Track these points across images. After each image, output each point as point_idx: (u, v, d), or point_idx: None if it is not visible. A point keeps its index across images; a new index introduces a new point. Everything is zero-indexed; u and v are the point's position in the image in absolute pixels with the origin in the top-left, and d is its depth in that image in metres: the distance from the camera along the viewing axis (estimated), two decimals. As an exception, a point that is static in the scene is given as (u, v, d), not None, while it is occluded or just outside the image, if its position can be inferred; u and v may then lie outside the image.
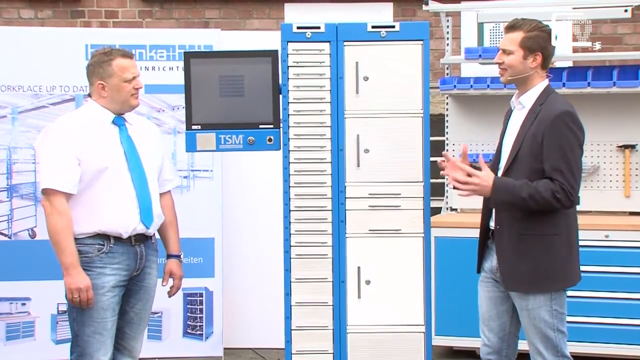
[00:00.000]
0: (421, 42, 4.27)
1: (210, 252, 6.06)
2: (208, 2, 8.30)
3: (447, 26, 6.49)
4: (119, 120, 4.20)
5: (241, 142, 4.40)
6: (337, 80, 4.28)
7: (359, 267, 4.29)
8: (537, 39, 3.94)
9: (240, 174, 6.26)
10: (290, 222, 4.30)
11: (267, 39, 5.35)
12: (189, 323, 6.11)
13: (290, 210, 4.30)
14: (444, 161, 4.04)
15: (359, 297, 4.29)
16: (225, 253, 6.12)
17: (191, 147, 4.42)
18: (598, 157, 6.21)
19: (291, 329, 4.32)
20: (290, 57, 4.29)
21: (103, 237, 4.10)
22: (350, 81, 4.28)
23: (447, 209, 6.46)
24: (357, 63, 4.26)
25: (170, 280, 4.42)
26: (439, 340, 5.77)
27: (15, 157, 5.95)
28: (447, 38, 6.49)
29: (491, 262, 4.05)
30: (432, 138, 4.34)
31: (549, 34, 3.98)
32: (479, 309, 4.16)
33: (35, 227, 5.94)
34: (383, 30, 4.27)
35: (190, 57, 4.43)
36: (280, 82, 4.35)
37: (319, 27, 4.29)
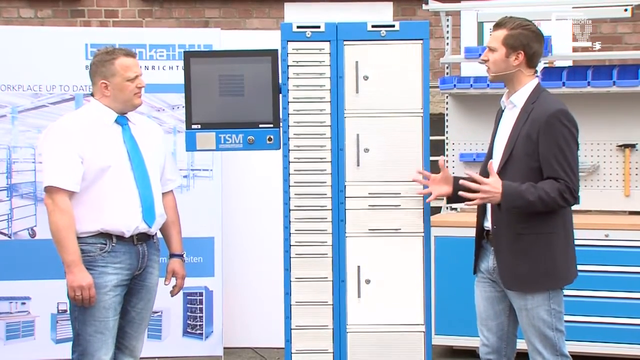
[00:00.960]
0: (421, 41, 4.27)
1: (210, 252, 6.06)
2: (208, 2, 8.30)
3: (447, 25, 6.49)
4: (121, 120, 4.21)
5: (241, 141, 4.40)
6: (337, 80, 4.28)
7: (358, 267, 4.29)
8: (519, 37, 3.94)
9: (240, 174, 6.26)
10: (290, 222, 4.30)
11: (267, 39, 5.36)
12: (189, 322, 6.11)
13: (290, 210, 4.30)
14: (440, 165, 4.06)
15: (359, 296, 4.29)
16: (225, 252, 6.12)
17: (191, 146, 4.42)
18: (598, 156, 6.21)
19: (291, 328, 4.32)
20: (290, 56, 4.29)
21: (105, 236, 4.11)
22: (350, 80, 4.28)
23: (447, 208, 6.46)
24: (357, 62, 4.26)
25: (173, 279, 4.43)
26: (439, 340, 5.77)
27: (15, 156, 5.95)
28: (447, 37, 6.49)
29: (487, 262, 4.05)
30: (432, 137, 4.34)
31: (533, 32, 3.97)
32: (476, 309, 4.16)
33: (35, 226, 5.94)
34: (383, 29, 4.27)
35: (190, 56, 4.43)
36: (280, 81, 4.35)
37: (318, 27, 4.29)
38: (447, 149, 6.50)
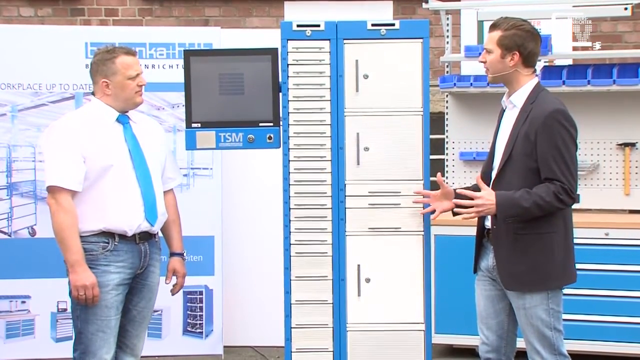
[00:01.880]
0: (421, 40, 4.27)
1: (210, 250, 6.06)
2: (208, 0, 8.30)
3: (447, 24, 6.49)
4: (123, 119, 4.21)
5: (241, 140, 4.40)
6: (337, 78, 4.28)
7: (358, 265, 4.29)
8: (513, 38, 3.94)
9: (240, 172, 6.26)
10: (290, 220, 4.30)
11: (267, 37, 5.36)
12: (189, 321, 6.11)
13: (290, 208, 4.30)
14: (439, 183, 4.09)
15: (359, 295, 4.29)
16: (225, 251, 6.12)
17: (191, 145, 4.42)
18: (598, 155, 6.21)
19: (291, 327, 4.32)
20: (290, 55, 4.29)
21: (108, 235, 4.11)
22: (350, 79, 4.28)
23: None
24: (356, 61, 4.26)
25: (174, 278, 4.43)
26: (439, 338, 5.77)
27: (15, 155, 5.95)
28: (447, 36, 6.49)
29: (487, 261, 4.06)
30: (432, 136, 4.34)
31: (528, 32, 3.97)
32: (476, 307, 4.16)
33: (35, 225, 5.94)
34: (383, 28, 4.27)
35: (190, 55, 4.43)
36: (280, 80, 4.34)
37: (318, 25, 4.28)
38: (447, 148, 6.50)
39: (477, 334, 4.19)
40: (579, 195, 3.90)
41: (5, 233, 5.95)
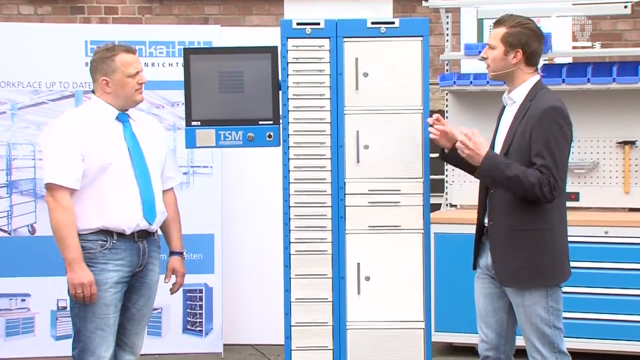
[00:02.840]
0: (421, 38, 4.27)
1: (210, 249, 6.06)
2: (208, -2, 8.31)
3: (447, 22, 6.48)
4: (122, 117, 4.21)
5: (241, 138, 4.40)
6: (336, 77, 4.27)
7: (358, 264, 4.29)
8: (518, 36, 3.94)
9: (240, 170, 6.26)
10: (289, 219, 4.30)
11: (266, 35, 5.35)
12: (189, 319, 6.11)
13: (289, 207, 4.30)
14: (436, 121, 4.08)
15: (359, 293, 4.29)
16: (224, 249, 6.12)
17: (191, 143, 4.42)
18: (598, 153, 6.21)
19: (291, 325, 4.32)
20: (289, 53, 4.29)
21: (106, 233, 4.11)
22: (350, 77, 4.27)
23: (446, 205, 6.47)
24: (356, 59, 4.26)
25: (173, 277, 4.43)
26: (439, 337, 5.77)
27: (14, 153, 5.96)
28: (447, 34, 6.49)
29: (486, 258, 4.06)
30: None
31: (533, 31, 3.97)
32: (475, 305, 4.16)
33: (34, 223, 5.95)
34: (383, 26, 4.27)
35: (189, 53, 4.42)
36: (279, 78, 4.34)
37: (318, 23, 4.28)
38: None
39: (477, 332, 4.19)
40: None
41: (5, 231, 5.95)
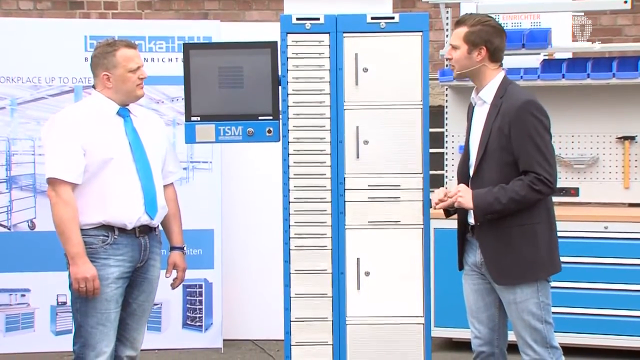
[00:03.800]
0: (420, 33, 4.26)
1: (210, 244, 6.07)
2: (207, -6, 8.30)
3: (447, 17, 6.48)
4: (123, 112, 4.21)
5: (240, 133, 4.40)
6: (336, 72, 4.27)
7: (358, 259, 4.29)
8: (479, 33, 3.96)
9: (240, 166, 6.26)
10: (289, 214, 4.30)
11: (266, 31, 5.35)
12: (189, 314, 6.12)
13: (289, 202, 4.30)
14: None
15: (358, 288, 4.29)
16: (224, 244, 6.12)
17: (190, 138, 4.42)
18: (597, 148, 6.21)
19: (290, 321, 4.32)
20: (289, 48, 4.29)
21: (107, 228, 4.11)
22: (350, 72, 4.27)
23: (446, 200, 6.45)
24: (356, 54, 4.26)
25: (174, 272, 4.43)
26: (438, 332, 5.78)
27: (14, 148, 5.96)
28: (447, 29, 6.49)
29: (475, 257, 4.06)
30: (431, 130, 4.33)
31: (494, 28, 4.00)
32: (465, 302, 4.18)
33: (34, 218, 5.95)
34: (382, 21, 4.27)
35: (189, 48, 4.42)
36: (279, 73, 4.34)
37: (318, 19, 4.28)
38: (446, 141, 6.50)
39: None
40: (554, 186, 3.88)
41: (4, 226, 5.96)
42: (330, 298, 4.31)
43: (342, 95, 4.28)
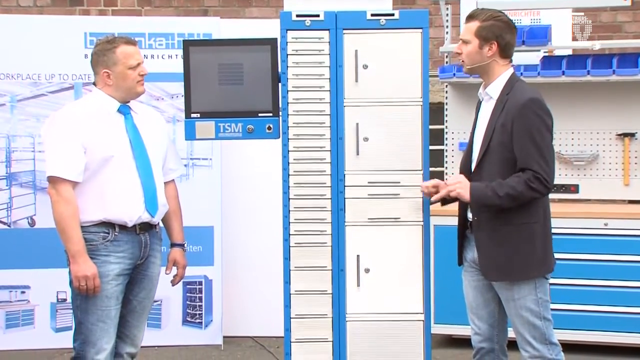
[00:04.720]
0: (420, 30, 4.26)
1: (210, 241, 6.07)
2: (207, -10, 8.30)
3: (447, 14, 6.48)
4: (124, 109, 4.20)
5: (240, 130, 4.40)
6: (336, 69, 4.27)
7: (358, 256, 4.29)
8: (491, 28, 3.96)
9: (240, 163, 6.26)
10: (289, 211, 4.30)
11: (266, 27, 5.35)
12: (189, 311, 6.12)
13: (289, 199, 4.30)
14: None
15: (358, 285, 4.30)
16: (224, 241, 6.12)
17: (190, 135, 4.42)
18: (597, 145, 6.21)
19: (290, 317, 4.32)
20: (289, 45, 4.28)
21: (108, 225, 4.10)
22: (350, 69, 4.27)
23: (446, 197, 6.46)
24: (356, 51, 4.26)
25: (174, 269, 4.43)
26: (438, 329, 5.79)
27: (14, 145, 5.96)
28: (447, 26, 6.49)
29: (472, 252, 4.07)
30: (431, 126, 4.33)
31: (505, 23, 3.99)
32: (465, 299, 4.18)
33: (34, 215, 5.95)
34: (382, 18, 4.27)
35: (189, 45, 4.42)
36: (279, 70, 4.34)
37: (318, 15, 4.28)
38: (446, 138, 6.50)
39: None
40: (551, 186, 3.88)
41: (4, 223, 5.96)
42: (330, 295, 4.32)
43: (342, 92, 4.28)
